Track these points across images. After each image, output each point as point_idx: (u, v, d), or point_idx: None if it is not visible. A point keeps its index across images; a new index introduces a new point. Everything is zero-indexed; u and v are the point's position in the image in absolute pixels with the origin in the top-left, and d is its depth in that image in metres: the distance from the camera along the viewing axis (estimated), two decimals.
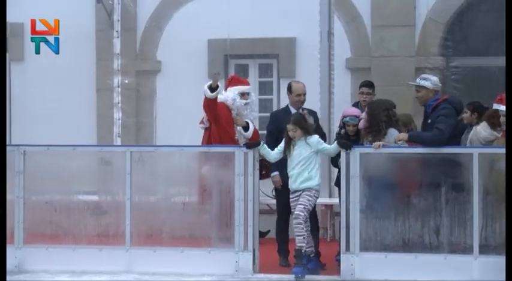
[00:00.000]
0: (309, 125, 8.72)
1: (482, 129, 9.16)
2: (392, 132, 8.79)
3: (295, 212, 8.58)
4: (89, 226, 9.08)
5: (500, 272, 7.43)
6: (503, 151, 7.99)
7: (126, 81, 13.02)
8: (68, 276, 8.74)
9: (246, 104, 9.36)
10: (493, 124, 9.13)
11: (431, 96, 8.89)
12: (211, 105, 9.34)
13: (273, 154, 8.78)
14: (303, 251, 8.53)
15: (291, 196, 8.74)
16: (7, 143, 12.28)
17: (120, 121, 12.56)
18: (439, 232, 8.55)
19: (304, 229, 8.54)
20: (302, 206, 8.56)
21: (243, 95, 9.38)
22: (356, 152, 8.59)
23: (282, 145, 8.77)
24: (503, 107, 9.16)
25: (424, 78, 8.98)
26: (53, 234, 9.17)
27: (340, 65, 12.30)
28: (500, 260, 7.58)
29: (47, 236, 9.12)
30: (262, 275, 8.72)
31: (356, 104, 9.70)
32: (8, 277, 8.25)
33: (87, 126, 13.21)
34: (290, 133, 8.69)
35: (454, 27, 12.93)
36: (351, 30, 13.05)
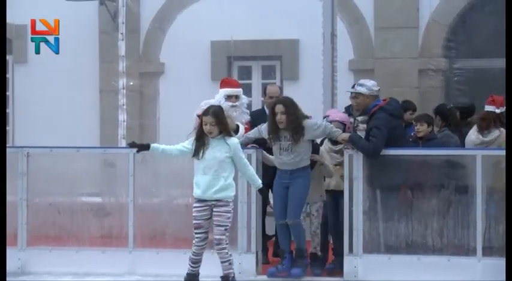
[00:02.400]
0: (230, 122, 7.86)
1: (471, 133, 9.15)
2: (309, 124, 8.52)
3: (217, 237, 7.54)
4: (92, 228, 9.09)
5: (504, 274, 7.42)
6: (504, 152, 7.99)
7: (132, 83, 13.02)
8: (71, 278, 8.74)
9: (232, 106, 9.28)
10: (482, 127, 9.09)
11: (369, 101, 8.73)
12: None
13: (174, 150, 7.73)
14: (230, 279, 7.74)
15: (196, 205, 7.67)
16: (11, 145, 12.33)
17: (125, 123, 12.55)
18: (442, 234, 8.54)
19: (229, 253, 7.71)
20: (223, 228, 7.57)
21: (230, 97, 9.32)
22: (359, 153, 8.58)
23: (189, 141, 7.66)
24: (492, 108, 9.15)
25: (361, 84, 8.81)
26: (56, 236, 9.18)
27: (343, 66, 12.28)
28: (504, 262, 7.56)
29: (50, 238, 9.12)
30: (265, 277, 8.72)
31: (348, 108, 9.62)
32: (11, 279, 8.26)
33: (90, 128, 13.22)
34: (207, 127, 7.57)
35: (457, 28, 12.92)
36: (354, 32, 13.05)
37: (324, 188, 8.92)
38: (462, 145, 9.39)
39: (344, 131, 8.83)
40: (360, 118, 9.13)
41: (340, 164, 8.75)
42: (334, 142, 8.83)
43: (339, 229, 8.73)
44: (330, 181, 8.84)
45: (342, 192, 8.69)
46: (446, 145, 9.21)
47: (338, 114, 9.12)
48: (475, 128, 9.19)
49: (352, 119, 9.27)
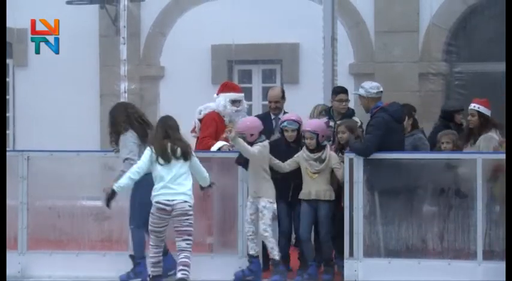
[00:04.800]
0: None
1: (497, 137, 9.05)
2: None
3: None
4: (93, 231, 9.07)
5: (504, 278, 7.41)
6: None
7: (133, 86, 13.03)
8: None
9: (237, 111, 9.28)
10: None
11: (370, 103, 8.71)
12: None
13: (141, 172, 8.02)
14: None
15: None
16: (11, 149, 12.33)
17: None
18: (442, 238, 8.54)
19: None
20: None
21: (234, 102, 9.31)
22: (359, 157, 8.57)
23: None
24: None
25: (362, 87, 8.79)
26: (57, 239, 9.17)
27: (344, 70, 12.29)
28: (504, 266, 7.55)
29: (51, 242, 9.12)
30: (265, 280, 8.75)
31: (329, 111, 9.38)
32: None
33: (90, 131, 13.22)
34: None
35: (457, 32, 12.94)
36: (354, 36, 13.07)
37: (303, 197, 8.70)
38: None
39: (317, 139, 8.65)
40: (340, 122, 9.08)
41: (319, 172, 8.67)
42: (312, 150, 8.70)
43: (314, 237, 8.69)
44: (310, 190, 8.65)
45: (323, 201, 8.59)
46: (417, 148, 9.20)
47: (312, 123, 8.85)
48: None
49: (332, 123, 9.19)
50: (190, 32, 13.28)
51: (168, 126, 8.05)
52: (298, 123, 8.81)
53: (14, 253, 8.91)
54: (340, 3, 11.37)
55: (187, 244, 7.79)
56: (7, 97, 13.30)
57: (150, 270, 8.11)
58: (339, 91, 9.48)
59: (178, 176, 7.90)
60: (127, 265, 8.77)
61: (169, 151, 7.91)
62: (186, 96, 12.78)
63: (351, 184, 8.57)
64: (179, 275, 7.91)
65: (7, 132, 13.12)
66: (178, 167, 7.91)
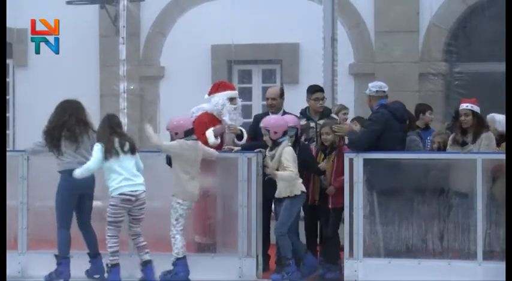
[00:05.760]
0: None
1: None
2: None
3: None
4: None
5: (504, 278, 7.41)
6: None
7: (132, 87, 13.03)
8: None
9: (235, 109, 9.29)
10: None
11: (373, 101, 8.77)
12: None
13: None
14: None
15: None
16: (11, 149, 12.33)
17: (126, 127, 12.57)
18: (442, 238, 8.54)
19: None
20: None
21: (231, 100, 9.31)
22: (359, 157, 8.58)
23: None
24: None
25: (368, 86, 8.89)
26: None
27: (344, 70, 12.31)
28: (504, 266, 7.56)
29: (51, 242, 9.09)
30: None
31: (305, 111, 9.39)
32: None
33: None
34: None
35: (457, 33, 12.95)
36: (354, 36, 13.08)
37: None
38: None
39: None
40: (321, 121, 9.08)
41: (277, 169, 8.54)
42: (271, 148, 8.60)
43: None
44: (276, 190, 8.63)
45: (284, 199, 8.55)
46: (410, 149, 9.20)
47: (265, 119, 8.75)
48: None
49: (313, 123, 9.20)
50: (190, 32, 13.28)
51: (114, 123, 8.50)
52: (296, 128, 8.79)
53: (14, 253, 8.92)
54: (340, 3, 11.38)
55: (140, 229, 8.43)
56: (7, 97, 13.31)
57: (109, 259, 8.33)
58: (315, 89, 9.42)
59: (131, 168, 8.35)
60: (127, 265, 8.77)
61: (117, 145, 8.33)
62: (186, 96, 12.75)
63: (351, 184, 8.58)
64: (147, 257, 8.37)
65: (7, 132, 13.12)
66: (128, 160, 8.35)
